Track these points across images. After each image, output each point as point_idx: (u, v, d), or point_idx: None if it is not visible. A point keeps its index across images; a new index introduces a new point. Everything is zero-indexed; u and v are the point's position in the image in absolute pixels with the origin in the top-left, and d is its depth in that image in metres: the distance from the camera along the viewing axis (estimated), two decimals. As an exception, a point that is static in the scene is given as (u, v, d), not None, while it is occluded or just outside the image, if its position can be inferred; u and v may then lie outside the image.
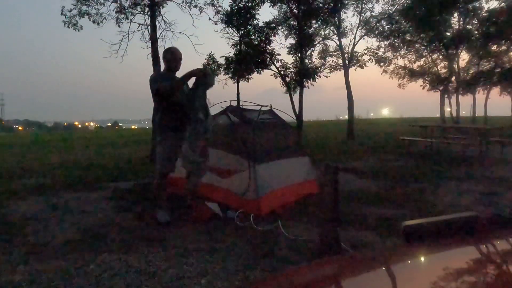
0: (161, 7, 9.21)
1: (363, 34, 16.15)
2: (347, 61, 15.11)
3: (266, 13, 26.35)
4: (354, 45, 15.74)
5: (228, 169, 4.39)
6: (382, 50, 16.83)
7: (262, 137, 4.52)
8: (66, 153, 11.49)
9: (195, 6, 10.04)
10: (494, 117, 30.03)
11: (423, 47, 18.73)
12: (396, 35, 16.37)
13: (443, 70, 20.00)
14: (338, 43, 15.11)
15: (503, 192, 5.09)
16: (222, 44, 15.54)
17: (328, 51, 16.15)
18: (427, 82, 20.61)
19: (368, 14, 16.15)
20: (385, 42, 16.87)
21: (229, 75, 12.88)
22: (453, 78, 18.71)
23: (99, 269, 2.67)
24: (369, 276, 0.77)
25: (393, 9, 15.85)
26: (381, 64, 17.76)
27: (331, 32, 15.24)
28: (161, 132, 3.78)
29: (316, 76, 13.25)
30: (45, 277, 2.55)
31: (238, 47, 12.52)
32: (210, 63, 12.56)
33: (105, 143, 15.92)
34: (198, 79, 3.63)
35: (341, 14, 14.62)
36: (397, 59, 19.62)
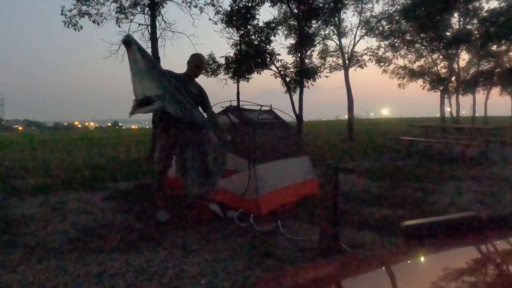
0: (161, 7, 9.24)
1: (363, 34, 16.16)
2: (347, 61, 15.11)
3: (266, 13, 26.37)
4: (354, 45, 15.79)
5: (228, 169, 4.38)
6: (382, 50, 16.85)
7: (262, 137, 4.52)
8: (66, 153, 11.49)
9: (195, 6, 10.09)
10: (494, 117, 30.05)
11: (423, 47, 18.72)
12: (396, 35, 16.37)
13: (443, 70, 20.02)
14: (338, 43, 15.13)
15: (503, 192, 5.09)
16: (222, 44, 15.57)
17: (328, 51, 16.16)
18: (427, 82, 20.61)
19: (368, 14, 16.19)
20: (385, 42, 16.89)
21: (229, 75, 12.88)
22: (453, 78, 18.71)
23: (99, 269, 2.67)
24: (369, 276, 0.77)
25: (393, 9, 15.89)
26: (381, 64, 17.76)
27: (331, 32, 15.26)
28: (159, 127, 3.81)
29: (316, 76, 13.25)
30: (45, 277, 2.55)
31: (238, 47, 12.52)
32: (210, 63, 12.56)
33: (105, 143, 15.91)
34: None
35: (341, 14, 14.63)
36: (397, 59, 19.65)
